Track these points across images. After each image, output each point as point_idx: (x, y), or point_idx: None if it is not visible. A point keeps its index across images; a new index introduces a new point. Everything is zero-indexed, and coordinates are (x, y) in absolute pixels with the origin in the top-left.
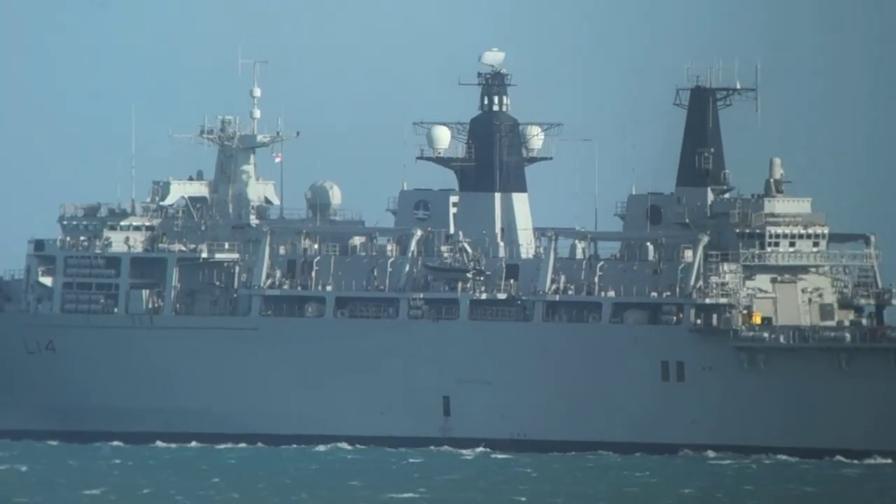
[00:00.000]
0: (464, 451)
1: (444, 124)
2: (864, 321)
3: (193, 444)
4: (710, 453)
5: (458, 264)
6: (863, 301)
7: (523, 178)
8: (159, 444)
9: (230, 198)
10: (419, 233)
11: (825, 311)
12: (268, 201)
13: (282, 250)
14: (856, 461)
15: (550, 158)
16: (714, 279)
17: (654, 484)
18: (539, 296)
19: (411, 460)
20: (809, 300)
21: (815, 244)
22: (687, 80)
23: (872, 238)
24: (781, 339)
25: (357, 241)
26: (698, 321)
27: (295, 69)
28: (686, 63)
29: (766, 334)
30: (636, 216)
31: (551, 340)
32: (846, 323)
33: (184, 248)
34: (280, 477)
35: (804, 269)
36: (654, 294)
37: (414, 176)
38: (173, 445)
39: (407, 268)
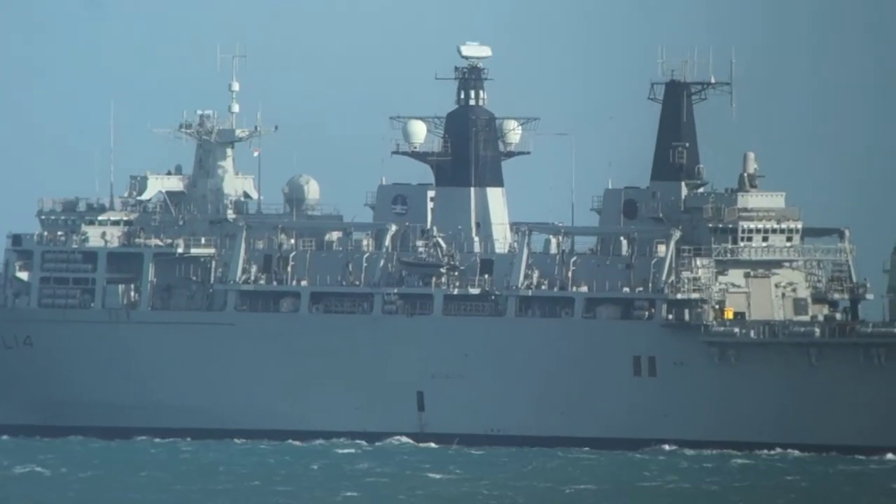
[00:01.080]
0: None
1: (420, 119)
2: (838, 316)
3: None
4: (688, 450)
5: (432, 259)
6: (837, 296)
7: (500, 172)
8: (137, 438)
9: (208, 192)
10: (394, 228)
11: (799, 306)
12: (247, 196)
13: (259, 245)
14: (824, 454)
15: (528, 153)
16: (686, 274)
17: (622, 479)
18: (512, 291)
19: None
20: (783, 295)
21: (789, 239)
22: (662, 74)
23: (847, 232)
24: (752, 334)
25: (333, 236)
26: (670, 316)
27: (273, 64)
28: (660, 57)
29: (736, 329)
30: (612, 211)
31: (524, 336)
32: (820, 318)
33: (160, 243)
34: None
35: (778, 264)
36: (627, 289)
37: (393, 170)
38: (157, 440)
39: (382, 263)
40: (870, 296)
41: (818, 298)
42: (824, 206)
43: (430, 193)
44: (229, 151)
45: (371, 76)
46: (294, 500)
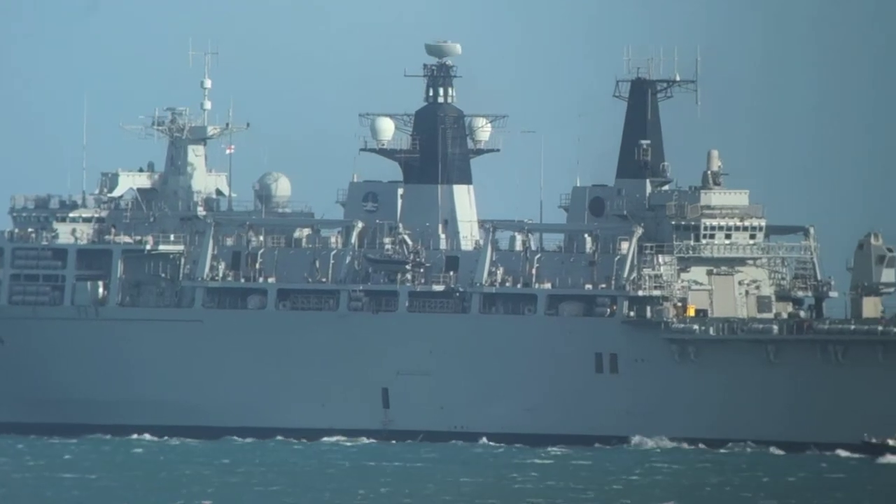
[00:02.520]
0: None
1: (390, 116)
2: (802, 313)
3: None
4: (652, 445)
5: (397, 256)
6: (801, 293)
7: (468, 170)
8: (100, 435)
9: (179, 189)
10: (360, 225)
11: (762, 304)
12: (219, 193)
13: (228, 242)
14: (782, 452)
15: (498, 150)
16: (647, 271)
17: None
18: (476, 288)
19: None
20: (746, 292)
21: (752, 236)
22: (627, 72)
23: (811, 230)
24: (711, 331)
25: (302, 233)
26: (631, 313)
27: (246, 61)
28: (626, 55)
29: (696, 326)
30: (579, 208)
31: (488, 332)
32: (784, 315)
33: (129, 240)
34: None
35: (741, 262)
36: (589, 286)
37: (366, 168)
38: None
39: (348, 260)
40: (833, 293)
41: (782, 296)
42: (789, 204)
43: (401, 191)
44: (201, 149)
45: (344, 73)
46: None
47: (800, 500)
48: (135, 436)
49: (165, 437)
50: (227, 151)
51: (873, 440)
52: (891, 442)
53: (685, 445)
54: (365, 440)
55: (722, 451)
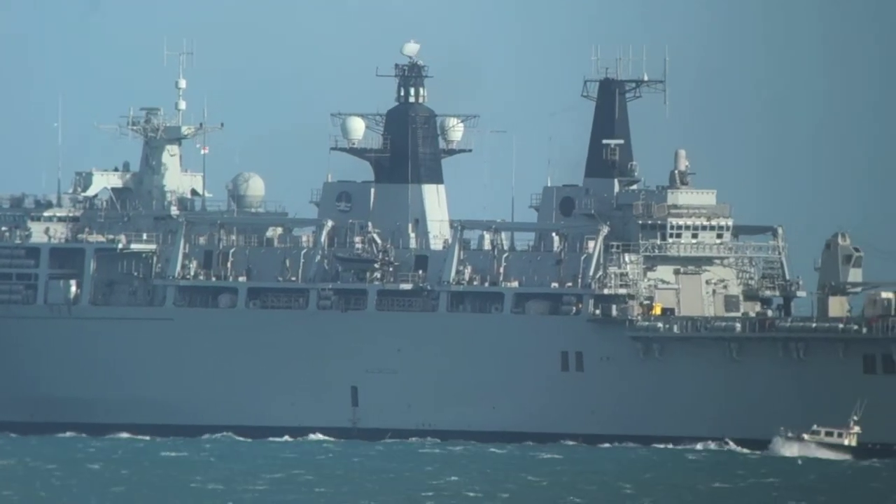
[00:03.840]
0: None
1: (361, 115)
2: (769, 313)
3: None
4: (630, 444)
5: (366, 255)
6: (769, 293)
7: (439, 169)
8: (69, 433)
9: (154, 189)
10: (330, 224)
11: (730, 303)
12: (195, 193)
13: (201, 241)
14: (746, 450)
15: (470, 150)
16: (613, 270)
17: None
18: (443, 286)
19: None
20: (714, 292)
21: (719, 236)
22: (596, 71)
23: (780, 230)
24: (675, 329)
25: (275, 232)
26: (597, 311)
27: (221, 61)
28: (594, 55)
29: (660, 324)
30: (550, 208)
31: (455, 331)
32: (752, 314)
33: (102, 239)
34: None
35: (708, 261)
36: (556, 284)
37: (341, 168)
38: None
39: (318, 259)
40: (802, 293)
41: (750, 296)
42: (757, 205)
43: (373, 190)
44: (176, 148)
45: (318, 74)
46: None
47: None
48: (112, 435)
49: (139, 435)
50: (203, 152)
51: (789, 435)
52: (805, 437)
53: (656, 445)
54: (333, 439)
55: (683, 448)
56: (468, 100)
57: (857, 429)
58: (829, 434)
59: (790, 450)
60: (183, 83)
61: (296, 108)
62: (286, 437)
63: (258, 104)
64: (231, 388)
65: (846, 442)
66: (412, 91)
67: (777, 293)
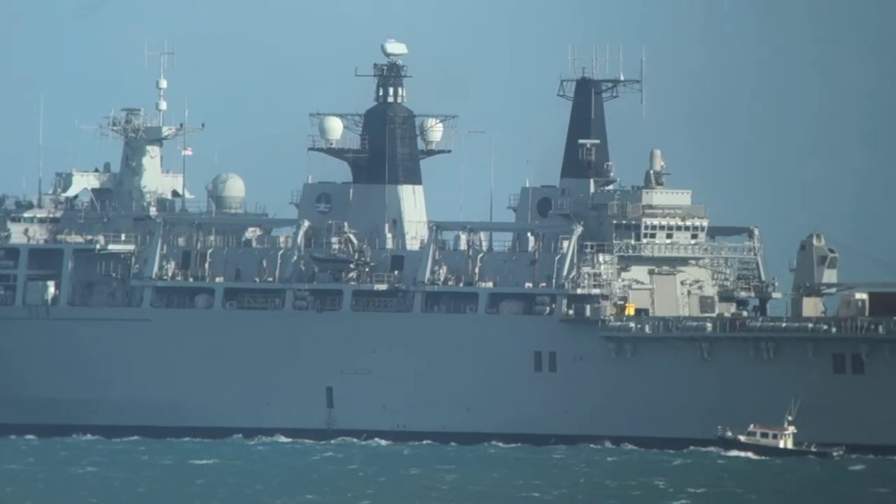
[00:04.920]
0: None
1: (340, 115)
2: (745, 313)
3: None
4: (606, 445)
5: (342, 255)
6: (744, 294)
7: (418, 170)
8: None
9: (134, 190)
10: (306, 224)
11: (705, 304)
12: (176, 194)
13: (180, 242)
14: (713, 449)
15: (449, 151)
16: (586, 269)
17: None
18: (418, 286)
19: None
20: (689, 292)
21: (694, 236)
22: (573, 71)
23: (756, 231)
24: (647, 329)
25: (255, 233)
26: (570, 312)
27: (202, 61)
28: (570, 54)
29: (632, 324)
30: (528, 209)
31: (430, 331)
32: (727, 315)
33: (80, 240)
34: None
35: (683, 262)
36: (529, 284)
37: (322, 169)
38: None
39: (294, 259)
40: (777, 294)
41: (725, 297)
42: (734, 205)
43: (352, 191)
44: (156, 149)
45: (300, 74)
46: None
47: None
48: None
49: (114, 438)
50: (184, 153)
51: (728, 434)
52: (742, 438)
53: (629, 445)
54: (308, 440)
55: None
56: (448, 100)
57: (791, 429)
58: (764, 435)
59: (729, 451)
60: (164, 84)
61: (278, 108)
62: (261, 438)
63: (240, 105)
64: (207, 389)
65: (781, 443)
66: (391, 91)
67: (752, 294)
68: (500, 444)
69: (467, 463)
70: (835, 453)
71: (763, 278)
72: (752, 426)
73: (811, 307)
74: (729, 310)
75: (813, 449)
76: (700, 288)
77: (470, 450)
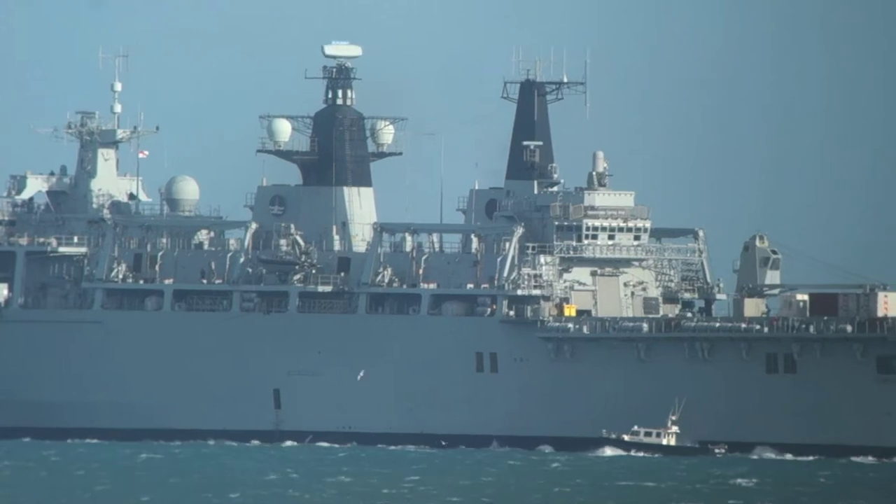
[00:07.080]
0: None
1: (289, 118)
2: (689, 315)
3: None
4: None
5: (288, 257)
6: (688, 295)
7: (368, 172)
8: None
9: (88, 193)
10: (254, 226)
11: (649, 305)
12: (132, 197)
13: (132, 244)
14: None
15: (400, 153)
16: (527, 271)
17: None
18: (363, 288)
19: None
20: (632, 294)
21: (637, 238)
22: (517, 73)
23: (701, 233)
24: (585, 329)
25: (208, 235)
26: (511, 313)
27: (156, 63)
28: (514, 56)
29: (570, 325)
30: (476, 210)
31: (374, 332)
32: (671, 316)
33: (33, 242)
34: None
35: (626, 263)
36: (471, 286)
37: (277, 172)
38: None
39: (242, 261)
40: (721, 296)
41: (669, 298)
42: (679, 207)
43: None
44: (111, 152)
45: (252, 77)
46: None
47: None
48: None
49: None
50: (140, 156)
51: (612, 436)
52: (625, 437)
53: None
54: (256, 442)
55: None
56: (397, 102)
57: (675, 428)
58: (647, 434)
59: (611, 450)
60: (118, 86)
61: (230, 111)
62: (210, 441)
63: (194, 107)
64: (157, 391)
65: (664, 441)
66: (340, 93)
67: (697, 296)
68: (445, 444)
69: (387, 464)
70: (717, 451)
71: (708, 279)
72: (634, 426)
73: (753, 308)
74: (673, 311)
75: (696, 446)
76: (644, 289)
77: (400, 452)
